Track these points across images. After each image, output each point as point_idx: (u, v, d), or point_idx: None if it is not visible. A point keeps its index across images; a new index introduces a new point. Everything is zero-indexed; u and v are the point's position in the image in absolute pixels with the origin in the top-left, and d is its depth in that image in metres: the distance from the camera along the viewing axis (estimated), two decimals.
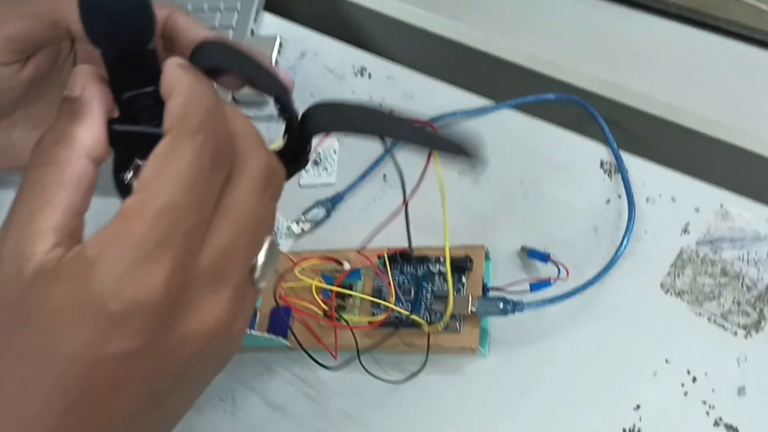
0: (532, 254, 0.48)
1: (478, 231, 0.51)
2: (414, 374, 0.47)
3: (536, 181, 0.51)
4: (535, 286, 0.46)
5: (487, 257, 0.49)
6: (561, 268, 0.46)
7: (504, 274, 0.49)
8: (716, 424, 0.41)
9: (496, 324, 0.47)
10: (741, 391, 0.42)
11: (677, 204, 0.47)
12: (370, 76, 0.60)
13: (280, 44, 0.63)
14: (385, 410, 0.47)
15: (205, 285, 0.23)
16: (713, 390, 0.42)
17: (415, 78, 0.58)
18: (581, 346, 0.45)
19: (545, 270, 0.47)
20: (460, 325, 0.46)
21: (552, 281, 0.46)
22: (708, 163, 0.49)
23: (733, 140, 0.50)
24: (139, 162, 0.26)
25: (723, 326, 0.44)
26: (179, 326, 0.23)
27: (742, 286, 0.44)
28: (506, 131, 0.54)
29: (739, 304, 0.44)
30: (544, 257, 0.47)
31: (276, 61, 0.62)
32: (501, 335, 0.47)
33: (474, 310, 0.45)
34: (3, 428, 0.22)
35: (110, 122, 0.26)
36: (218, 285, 0.24)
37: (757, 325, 0.43)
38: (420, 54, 0.62)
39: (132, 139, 0.26)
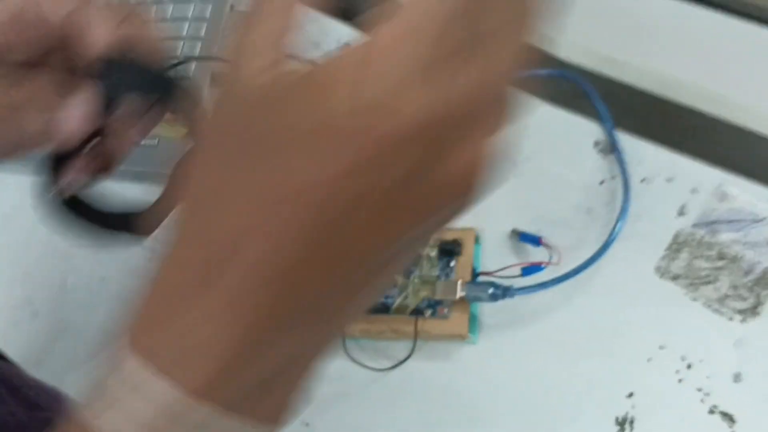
0: (523, 237, 0.46)
1: (468, 214, 0.49)
2: (401, 361, 0.46)
3: (528, 159, 0.50)
4: (527, 271, 0.44)
5: (477, 241, 0.47)
6: (553, 251, 0.44)
7: (494, 257, 0.47)
8: (711, 412, 0.40)
9: (485, 310, 0.46)
10: (737, 377, 0.41)
11: (673, 185, 0.46)
12: None
13: None
14: (371, 398, 0.46)
15: (489, 107, 0.19)
16: (708, 377, 0.41)
17: None
18: (573, 332, 0.44)
19: (537, 253, 0.46)
20: (448, 311, 0.45)
21: (544, 265, 0.44)
22: (706, 142, 0.48)
23: (731, 118, 0.48)
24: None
25: (719, 311, 0.42)
26: (435, 169, 0.19)
27: (739, 269, 0.43)
28: None
29: (735, 288, 0.42)
30: (536, 240, 0.46)
31: None
32: (491, 321, 0.46)
33: (463, 295, 0.44)
34: (234, 258, 0.19)
35: None
36: (484, 112, 0.20)
37: (753, 310, 0.42)
38: None
39: None
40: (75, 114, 0.31)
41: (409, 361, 0.46)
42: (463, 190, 0.20)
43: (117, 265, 0.57)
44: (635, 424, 0.41)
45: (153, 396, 0.20)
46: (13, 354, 0.57)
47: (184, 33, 0.60)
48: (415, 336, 0.45)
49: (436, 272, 0.46)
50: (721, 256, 0.43)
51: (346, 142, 0.19)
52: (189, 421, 0.20)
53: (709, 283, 0.43)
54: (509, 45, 0.20)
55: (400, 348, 0.46)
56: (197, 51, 0.59)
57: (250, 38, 0.21)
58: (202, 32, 0.60)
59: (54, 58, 0.34)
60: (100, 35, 0.32)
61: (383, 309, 0.46)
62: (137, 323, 0.21)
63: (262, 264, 0.19)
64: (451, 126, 0.19)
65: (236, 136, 0.20)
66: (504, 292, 0.43)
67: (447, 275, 0.46)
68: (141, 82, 0.31)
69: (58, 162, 0.32)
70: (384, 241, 0.20)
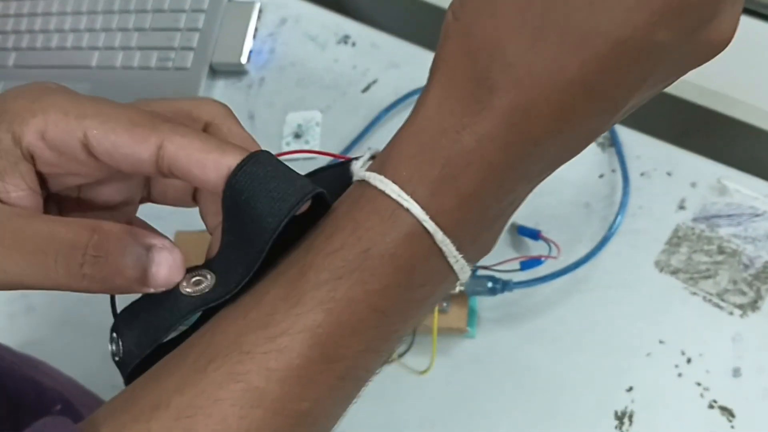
0: (522, 231, 0.46)
1: None
2: (400, 355, 0.45)
3: None
4: (526, 265, 0.44)
5: None
6: (552, 245, 0.44)
7: (493, 251, 0.47)
8: (711, 406, 0.40)
9: (484, 304, 0.46)
10: (736, 372, 0.41)
11: (673, 179, 0.46)
12: (353, 44, 0.57)
13: (260, 10, 0.60)
14: (368, 392, 0.46)
15: None
16: (708, 371, 0.41)
17: (401, 46, 0.56)
18: (572, 327, 0.44)
19: (536, 247, 0.46)
20: (447, 305, 0.44)
21: (542, 259, 0.44)
22: (705, 137, 0.48)
23: (731, 113, 0.48)
24: None
25: (719, 305, 0.42)
26: (704, 32, 0.23)
27: (738, 264, 0.42)
28: None
29: (735, 282, 0.42)
30: (535, 234, 0.45)
31: (255, 29, 0.59)
32: (490, 315, 0.45)
33: (462, 289, 0.43)
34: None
35: None
36: None
37: (753, 305, 0.42)
38: (406, 21, 0.60)
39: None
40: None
41: (408, 355, 0.45)
42: (724, 42, 0.24)
43: None
44: (634, 418, 0.41)
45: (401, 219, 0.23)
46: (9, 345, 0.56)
47: (182, 25, 0.60)
48: (414, 329, 0.45)
49: None
50: (720, 251, 0.43)
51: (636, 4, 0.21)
52: (427, 248, 0.23)
53: (708, 277, 0.43)
54: None
55: None
56: (195, 43, 0.59)
57: None
58: (200, 24, 0.59)
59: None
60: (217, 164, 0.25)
61: None
62: (395, 155, 0.24)
63: (541, 81, 0.22)
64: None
65: None
66: (503, 286, 0.43)
67: None
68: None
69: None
70: (652, 82, 0.24)
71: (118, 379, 0.57)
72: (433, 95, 0.24)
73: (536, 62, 0.22)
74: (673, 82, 0.25)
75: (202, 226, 0.29)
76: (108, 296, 0.27)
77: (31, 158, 0.25)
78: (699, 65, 0.25)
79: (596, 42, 0.21)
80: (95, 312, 0.55)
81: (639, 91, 0.23)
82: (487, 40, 0.22)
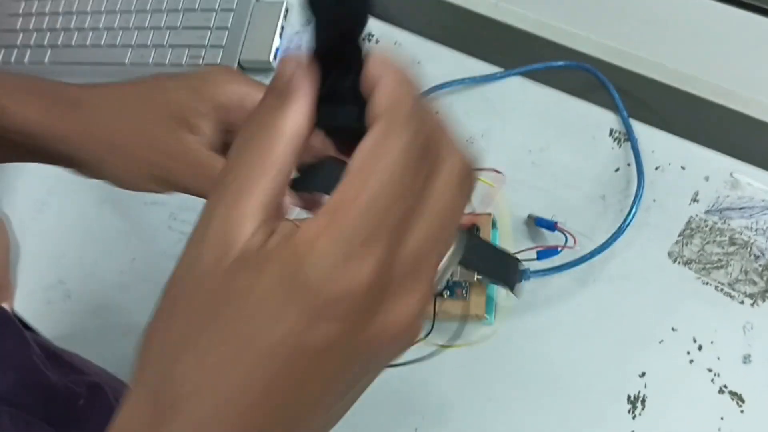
0: (539, 222, 0.48)
1: (486, 199, 0.51)
2: (419, 340, 0.47)
3: (544, 149, 0.51)
4: (543, 254, 0.46)
5: (494, 225, 0.49)
6: (568, 236, 0.46)
7: (511, 242, 0.49)
8: (721, 391, 0.42)
9: (502, 292, 0.47)
10: (746, 359, 0.42)
11: (687, 172, 0.47)
12: (377, 41, 0.59)
13: (287, 9, 0.62)
14: (387, 377, 0.48)
15: (405, 279, 0.23)
16: (719, 358, 0.42)
17: (423, 44, 0.58)
18: (587, 314, 0.45)
19: (552, 238, 0.47)
20: (466, 293, 0.46)
21: (559, 249, 0.45)
22: (718, 132, 0.49)
23: (744, 109, 0.49)
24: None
25: (730, 295, 0.43)
26: (377, 321, 0.23)
27: (749, 255, 0.44)
28: (514, 99, 0.53)
29: (746, 273, 0.44)
30: (551, 225, 0.47)
31: (282, 27, 0.62)
32: (507, 303, 0.47)
33: (480, 277, 0.45)
34: (197, 407, 0.22)
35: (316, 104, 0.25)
36: (415, 280, 0.23)
37: (764, 294, 0.43)
38: (428, 20, 0.62)
39: (334, 123, 0.25)
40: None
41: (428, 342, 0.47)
42: (402, 340, 0.23)
43: (147, 247, 0.59)
44: (647, 403, 0.43)
45: None
46: (46, 333, 0.59)
47: (211, 24, 0.62)
48: (434, 316, 0.46)
49: None
50: (732, 242, 0.44)
51: (291, 308, 0.21)
52: None
53: (720, 267, 0.44)
54: (442, 232, 0.24)
55: None
56: (224, 41, 0.61)
57: (238, 206, 0.23)
58: (229, 23, 0.62)
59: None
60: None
61: None
62: None
63: (214, 417, 0.22)
64: (379, 293, 0.22)
65: (207, 295, 0.22)
66: (520, 275, 0.45)
67: None
68: None
69: None
70: (329, 395, 0.23)
71: None
72: (129, 397, 0.23)
73: (210, 378, 0.22)
74: (374, 377, 0.26)
75: None
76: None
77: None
78: (394, 357, 0.25)
79: (253, 353, 0.22)
80: (130, 299, 0.58)
81: (330, 393, 0.23)
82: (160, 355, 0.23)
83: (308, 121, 0.24)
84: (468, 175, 0.25)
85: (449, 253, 0.26)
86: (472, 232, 0.41)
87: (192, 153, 0.38)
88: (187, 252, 0.23)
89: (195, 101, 0.39)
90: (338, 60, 0.24)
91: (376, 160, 0.22)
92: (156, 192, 0.40)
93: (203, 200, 0.25)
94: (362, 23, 0.24)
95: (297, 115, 0.24)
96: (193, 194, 0.38)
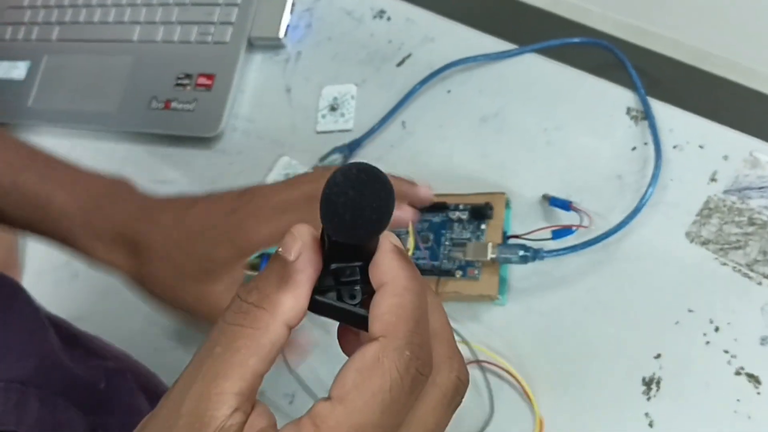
0: (553, 202, 0.47)
1: (499, 178, 0.50)
2: None
3: (560, 127, 0.50)
4: (557, 234, 0.45)
5: (507, 205, 0.48)
6: (583, 215, 0.45)
7: (525, 222, 0.48)
8: (737, 373, 0.41)
9: (515, 273, 0.47)
10: (764, 340, 0.41)
11: (705, 151, 0.46)
12: (389, 18, 0.58)
13: None
14: None
15: None
16: (736, 339, 0.42)
17: (436, 21, 0.57)
18: (602, 295, 0.45)
19: (567, 218, 0.47)
20: (478, 272, 0.46)
21: (574, 228, 0.45)
22: (738, 111, 0.48)
23: (764, 88, 0.48)
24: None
25: (748, 276, 0.43)
26: None
27: None
28: (529, 76, 0.52)
29: (765, 253, 0.43)
30: (566, 205, 0.46)
31: (293, 4, 0.61)
32: (520, 284, 0.47)
33: (493, 256, 0.45)
34: None
35: (313, 291, 0.25)
36: None
37: None
38: None
39: (330, 311, 0.25)
40: None
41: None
42: None
43: None
44: (662, 384, 0.42)
45: None
46: (55, 313, 0.59)
47: (221, 0, 0.61)
48: (441, 296, 0.46)
49: (466, 235, 0.47)
50: (751, 222, 0.44)
51: None
52: None
53: (738, 248, 0.43)
54: None
55: None
56: (233, 17, 0.60)
57: (217, 385, 0.22)
58: None
59: None
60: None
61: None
62: None
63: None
64: None
65: None
66: (534, 255, 0.44)
67: (478, 238, 0.47)
68: None
69: None
70: None
71: (160, 343, 0.59)
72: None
73: None
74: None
75: None
76: None
77: None
78: None
79: None
80: None
81: None
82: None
83: (304, 309, 0.24)
84: (458, 393, 0.25)
85: None
86: None
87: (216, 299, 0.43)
88: (163, 414, 0.23)
89: (230, 251, 0.42)
90: (350, 250, 0.24)
91: (369, 384, 0.22)
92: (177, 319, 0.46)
93: None
94: (377, 232, 0.23)
95: (293, 303, 0.23)
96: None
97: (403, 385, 0.22)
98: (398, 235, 0.48)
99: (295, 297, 0.24)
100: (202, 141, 0.60)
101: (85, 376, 0.43)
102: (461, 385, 0.25)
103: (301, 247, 0.24)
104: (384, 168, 0.23)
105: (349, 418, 0.22)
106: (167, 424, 0.22)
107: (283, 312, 0.23)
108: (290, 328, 0.24)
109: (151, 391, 0.49)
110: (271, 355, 0.23)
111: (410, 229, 0.47)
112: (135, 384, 0.47)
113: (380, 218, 0.22)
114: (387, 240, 0.24)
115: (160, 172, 0.60)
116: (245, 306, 0.23)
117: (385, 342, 0.23)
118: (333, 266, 0.24)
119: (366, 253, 0.24)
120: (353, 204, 0.22)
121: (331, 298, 0.25)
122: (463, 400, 0.26)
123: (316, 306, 0.24)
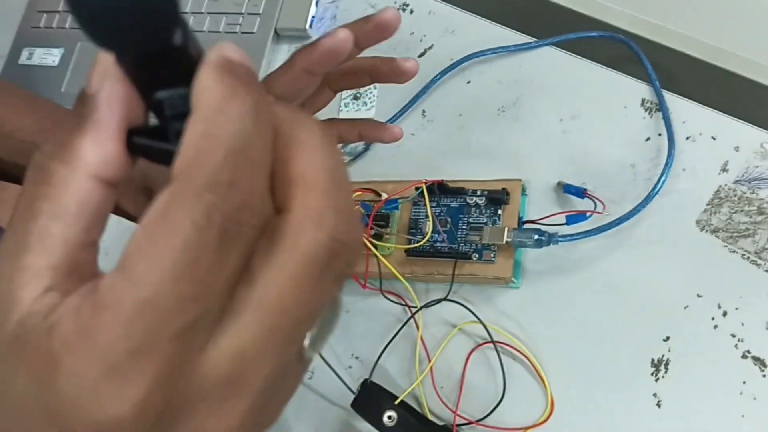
0: (568, 189, 0.49)
1: (516, 165, 0.51)
2: (437, 301, 0.48)
3: (575, 117, 0.52)
4: (572, 219, 0.46)
5: (523, 191, 0.49)
6: (597, 201, 0.46)
7: (540, 208, 0.49)
8: (744, 356, 0.42)
9: (530, 256, 0.48)
10: None
11: (717, 143, 0.48)
12: (412, 11, 0.60)
13: None
14: (412, 336, 0.49)
15: (211, 396, 0.18)
16: (743, 324, 0.43)
17: (457, 14, 0.59)
18: (614, 279, 0.46)
19: (581, 206, 0.48)
20: (494, 255, 0.47)
21: (588, 214, 0.46)
22: (750, 105, 0.49)
23: None
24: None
25: (756, 263, 0.44)
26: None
27: None
28: (547, 68, 0.54)
29: None
30: (580, 192, 0.48)
31: None
32: (535, 267, 0.48)
33: (509, 240, 0.46)
34: None
35: (132, 132, 0.19)
36: (228, 397, 0.18)
37: None
38: None
39: (155, 154, 0.20)
40: None
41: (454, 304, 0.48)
42: None
43: None
44: (670, 366, 0.43)
45: None
46: None
47: None
48: (452, 278, 0.47)
49: (483, 219, 0.49)
50: (760, 212, 0.45)
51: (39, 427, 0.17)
52: None
53: (747, 236, 0.45)
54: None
55: (445, 290, 0.48)
56: (261, 8, 0.62)
57: (19, 261, 0.18)
58: None
59: None
60: None
61: (432, 253, 0.49)
62: None
63: None
64: (160, 418, 0.18)
65: None
66: (548, 239, 0.45)
67: (494, 223, 0.48)
68: None
69: None
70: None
71: None
72: None
73: None
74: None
75: None
76: None
77: None
78: None
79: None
80: None
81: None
82: None
83: (116, 153, 0.19)
84: (335, 258, 0.18)
85: (316, 328, 0.20)
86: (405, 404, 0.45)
87: None
88: None
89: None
90: (163, 69, 0.19)
91: (154, 245, 0.17)
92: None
93: None
94: (155, 28, 0.17)
95: (95, 148, 0.18)
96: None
97: (204, 240, 0.17)
98: (415, 220, 0.50)
99: (96, 141, 0.18)
100: None
101: None
102: (339, 247, 0.18)
103: (102, 73, 0.19)
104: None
105: (133, 291, 0.16)
106: None
107: (85, 161, 0.18)
108: (105, 181, 0.19)
109: None
110: (83, 216, 0.18)
111: (429, 212, 0.49)
112: None
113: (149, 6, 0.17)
114: (215, 52, 0.18)
115: None
116: (40, 160, 0.19)
117: (175, 185, 0.17)
118: (157, 96, 0.19)
119: (192, 74, 0.19)
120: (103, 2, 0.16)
121: (152, 138, 0.19)
122: (354, 269, 0.20)
123: (136, 148, 0.19)
